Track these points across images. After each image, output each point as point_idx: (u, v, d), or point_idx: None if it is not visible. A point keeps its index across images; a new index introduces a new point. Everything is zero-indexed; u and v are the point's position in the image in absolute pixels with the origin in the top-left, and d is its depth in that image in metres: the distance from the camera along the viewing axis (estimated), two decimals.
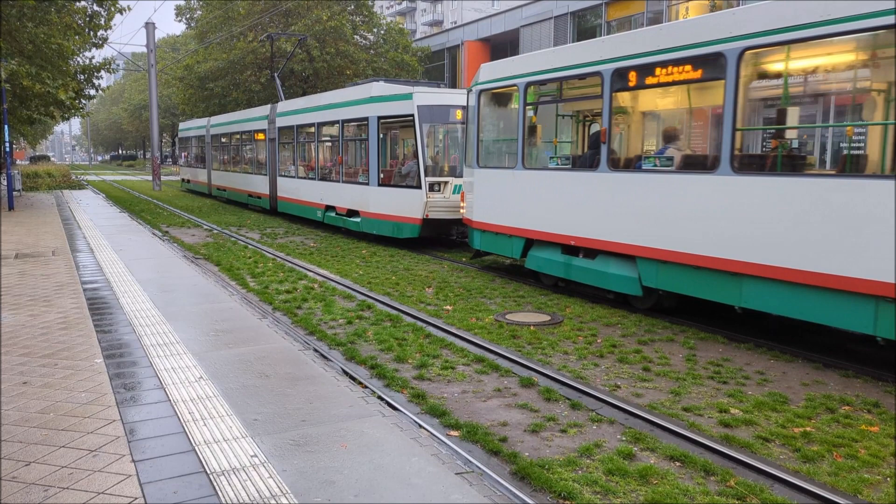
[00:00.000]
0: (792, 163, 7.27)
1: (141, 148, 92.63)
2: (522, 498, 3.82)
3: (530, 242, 10.06)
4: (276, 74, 24.28)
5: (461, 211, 12.32)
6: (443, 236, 14.02)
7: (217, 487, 3.44)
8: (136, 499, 3.31)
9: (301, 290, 9.62)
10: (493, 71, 10.71)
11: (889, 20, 5.65)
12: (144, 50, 36.59)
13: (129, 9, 19.03)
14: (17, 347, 5.86)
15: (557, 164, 9.72)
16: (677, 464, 4.34)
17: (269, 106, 21.92)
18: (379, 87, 14.63)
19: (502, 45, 38.07)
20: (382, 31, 36.42)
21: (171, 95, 47.36)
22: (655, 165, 8.07)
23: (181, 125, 35.96)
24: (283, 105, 20.29)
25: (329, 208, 17.02)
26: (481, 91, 10.90)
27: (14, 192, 21.59)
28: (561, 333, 7.44)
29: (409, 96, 13.62)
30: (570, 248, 9.26)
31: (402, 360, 6.44)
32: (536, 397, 5.53)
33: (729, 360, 6.52)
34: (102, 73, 19.94)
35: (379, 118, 14.46)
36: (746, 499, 3.88)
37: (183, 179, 35.41)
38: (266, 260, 12.41)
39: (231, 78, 33.82)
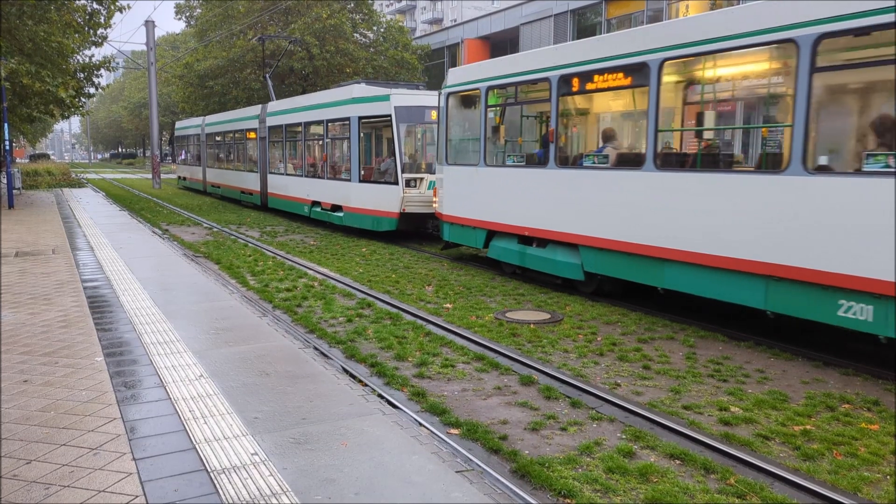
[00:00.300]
0: (706, 160, 8.02)
1: (141, 146, 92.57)
2: (523, 496, 3.83)
3: (492, 234, 10.92)
4: (267, 75, 25.09)
5: (433, 205, 13.02)
6: (420, 229, 14.73)
7: (218, 485, 3.45)
8: (136, 497, 3.32)
9: (301, 289, 9.62)
10: (460, 75, 11.55)
11: (785, 35, 6.44)
12: (144, 48, 36.54)
13: (129, 7, 18.99)
14: (18, 346, 5.86)
15: (514, 162, 10.43)
16: (677, 462, 4.34)
17: (259, 106, 22.64)
18: (359, 89, 15.45)
19: (502, 43, 38.03)
20: (382, 30, 36.37)
21: (171, 93, 47.32)
22: (594, 162, 8.93)
23: (177, 124, 36.48)
24: (273, 105, 21.09)
25: (315, 204, 17.83)
26: (449, 94, 11.64)
27: (14, 191, 21.58)
28: (561, 332, 7.45)
29: (386, 98, 14.45)
30: (525, 239, 10.13)
31: (402, 359, 6.45)
32: (536, 395, 5.53)
33: (729, 359, 6.53)
34: (102, 71, 19.91)
35: (360, 118, 15.29)
36: (746, 497, 3.88)
37: (179, 177, 36.05)
38: (266, 258, 12.41)
39: (231, 76, 33.80)
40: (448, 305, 8.67)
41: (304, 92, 31.87)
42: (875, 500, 3.91)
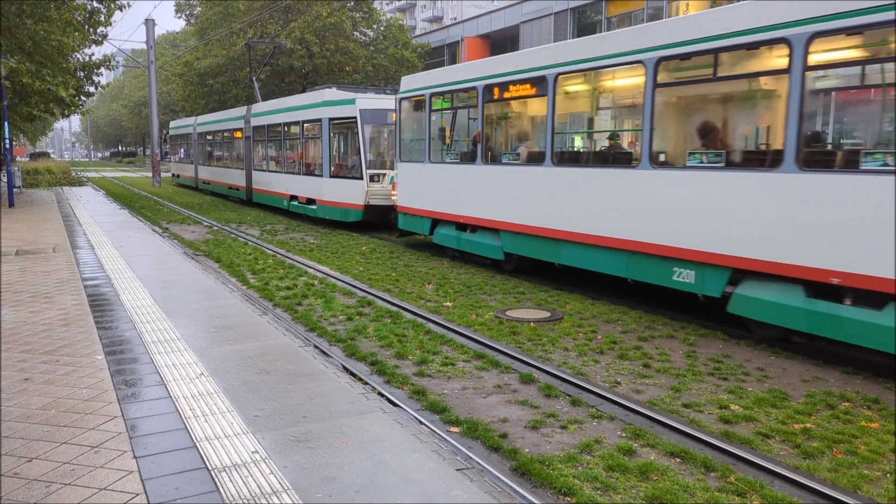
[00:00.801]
0: (587, 157, 9.83)
1: (141, 144, 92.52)
2: (523, 494, 3.83)
3: (436, 222, 12.48)
4: (254, 77, 26.55)
5: (393, 198, 14.55)
6: (383, 220, 15.94)
7: (218, 483, 3.45)
8: (137, 495, 3.32)
9: (301, 287, 9.62)
10: (410, 83, 13.05)
11: (637, 57, 8.06)
12: (144, 46, 36.49)
13: (129, 5, 18.93)
14: (19, 344, 5.86)
15: (451, 159, 12.04)
16: (677, 460, 4.34)
17: (245, 107, 24.19)
18: (329, 93, 17.19)
19: (502, 42, 37.99)
20: (382, 28, 36.33)
21: (171, 92, 47.28)
22: (510, 160, 10.57)
23: (171, 124, 37.45)
24: (257, 107, 22.78)
25: (293, 198, 19.43)
26: (402, 99, 13.21)
27: (14, 189, 21.58)
28: (561, 330, 7.45)
29: (352, 101, 16.20)
30: (461, 226, 11.73)
31: (403, 357, 6.45)
32: (537, 394, 5.53)
33: (729, 357, 6.53)
34: (102, 70, 19.89)
35: (330, 119, 16.98)
36: (747, 495, 3.88)
37: (173, 174, 37.29)
38: (266, 256, 12.41)
39: (231, 74, 33.77)
40: (448, 304, 8.67)
41: (303, 90, 32.16)
42: (875, 499, 3.91)
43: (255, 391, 4.81)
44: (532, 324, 7.67)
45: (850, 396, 5.48)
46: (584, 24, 31.92)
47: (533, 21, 33.82)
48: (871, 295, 5.89)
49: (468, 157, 11.47)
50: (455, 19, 51.55)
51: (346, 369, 5.93)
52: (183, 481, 3.47)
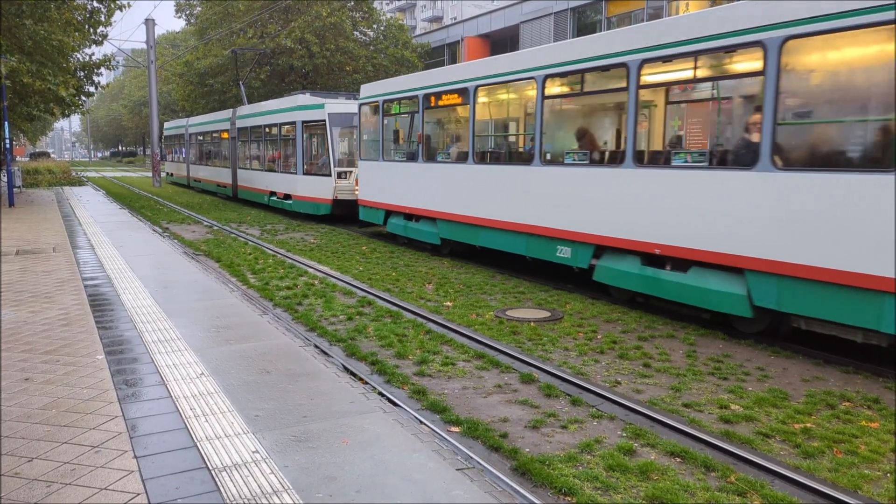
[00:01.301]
0: (496, 157, 11.52)
1: (141, 144, 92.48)
2: (523, 494, 3.83)
3: (388, 213, 14.11)
4: (241, 82, 28.28)
5: (356, 193, 16.18)
6: (350, 214, 17.06)
7: (219, 483, 3.45)
8: (138, 494, 3.32)
9: (301, 287, 9.62)
10: (368, 90, 14.78)
11: (530, 75, 9.67)
12: (144, 46, 36.45)
13: (129, 5, 18.94)
14: (19, 344, 5.87)
15: (400, 158, 13.71)
16: (678, 459, 4.35)
17: (231, 110, 25.84)
18: (303, 98, 18.84)
19: (502, 42, 37.97)
20: (382, 28, 36.32)
21: (171, 92, 47.26)
22: (443, 158, 12.23)
23: (165, 125, 38.47)
24: (241, 109, 24.41)
25: (272, 193, 21.13)
26: (361, 104, 15.03)
27: (14, 189, 21.58)
28: (561, 330, 7.45)
29: (321, 106, 17.82)
30: (408, 216, 13.38)
31: (403, 357, 6.45)
32: (537, 393, 5.53)
33: (729, 357, 6.53)
34: (102, 69, 19.89)
35: (303, 122, 18.56)
36: (747, 495, 3.89)
37: (168, 173, 38.36)
38: (266, 256, 12.42)
39: (231, 74, 33.76)
40: (448, 303, 8.67)
41: (303, 90, 32.22)
42: (875, 498, 3.91)
43: (256, 391, 4.81)
44: (532, 323, 7.68)
45: (851, 396, 5.48)
46: (584, 24, 31.91)
47: (533, 21, 33.81)
48: (680, 262, 7.70)
49: (412, 157, 13.08)
50: (455, 19, 51.55)
51: (346, 369, 5.93)
52: (183, 481, 3.47)
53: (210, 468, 3.61)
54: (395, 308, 8.38)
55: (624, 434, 4.74)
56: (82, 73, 19.44)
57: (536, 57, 9.71)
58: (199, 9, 37.51)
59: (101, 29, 18.38)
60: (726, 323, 7.53)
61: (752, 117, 7.08)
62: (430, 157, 12.59)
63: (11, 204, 19.84)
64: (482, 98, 11.27)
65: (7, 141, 20.29)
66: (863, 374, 6.04)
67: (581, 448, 4.49)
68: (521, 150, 11.30)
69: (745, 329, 7.31)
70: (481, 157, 11.29)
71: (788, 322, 6.85)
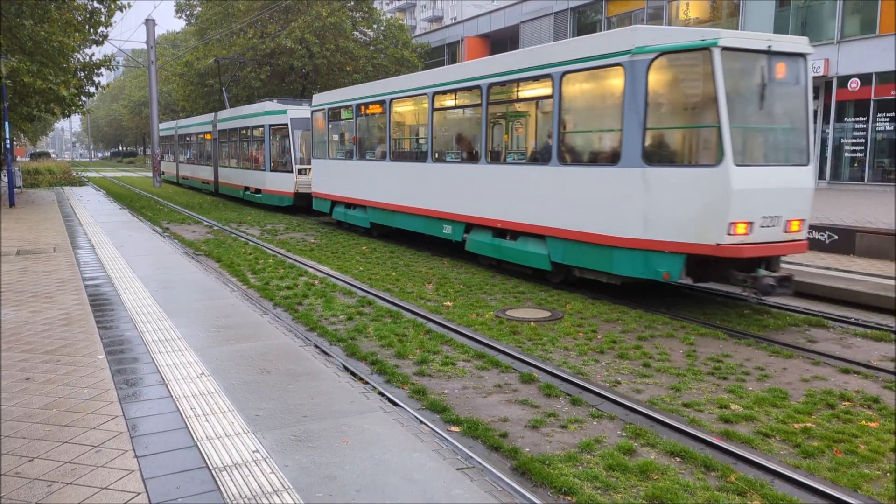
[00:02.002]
0: (401, 156, 14.11)
1: (141, 144, 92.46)
2: (524, 493, 3.83)
3: (334, 203, 16.84)
4: (223, 88, 31.08)
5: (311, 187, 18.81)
6: (310, 206, 19.05)
7: (219, 483, 3.46)
8: (138, 494, 3.33)
9: (301, 287, 9.63)
10: (317, 99, 17.59)
11: (426, 91, 12.43)
12: (144, 46, 36.42)
13: (129, 5, 18.94)
14: (20, 344, 5.87)
15: (340, 157, 16.58)
16: (678, 459, 4.35)
17: (213, 114, 28.87)
18: (269, 105, 21.78)
19: (502, 41, 37.94)
20: (382, 28, 36.30)
21: (171, 92, 47.27)
22: (371, 157, 14.98)
23: (159, 126, 39.54)
24: (221, 114, 27.26)
25: (246, 188, 24.06)
26: (313, 111, 17.92)
27: (15, 189, 21.57)
28: (561, 329, 7.45)
29: (284, 111, 20.66)
30: (348, 205, 16.09)
31: (403, 356, 6.45)
32: (537, 393, 5.54)
33: (729, 356, 6.54)
34: (102, 70, 19.90)
35: (270, 125, 21.36)
36: (747, 494, 3.89)
37: (160, 172, 39.73)
38: (266, 256, 12.42)
39: (231, 74, 33.76)
40: (448, 303, 8.67)
41: (303, 90, 32.46)
42: (875, 497, 3.92)
43: (256, 391, 4.82)
44: (532, 323, 7.68)
45: (850, 396, 5.49)
46: (584, 24, 31.90)
47: (533, 21, 33.80)
48: (514, 233, 10.37)
49: (349, 155, 15.89)
50: (455, 19, 51.51)
51: (346, 369, 5.93)
52: (184, 480, 3.48)
53: (210, 468, 3.62)
54: (395, 308, 8.38)
55: (624, 434, 4.75)
56: (83, 74, 19.44)
57: (428, 77, 12.64)
58: (199, 9, 37.49)
59: (101, 29, 18.38)
60: (543, 277, 10.03)
61: (549, 127, 9.66)
62: (362, 155, 15.31)
63: (12, 204, 19.84)
64: (395, 108, 13.87)
65: (7, 141, 20.30)
66: (862, 375, 6.04)
67: (581, 448, 4.49)
68: (419, 150, 13.53)
69: (551, 279, 9.93)
70: (395, 156, 13.97)
71: (572, 272, 9.45)
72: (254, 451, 3.81)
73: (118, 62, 26.92)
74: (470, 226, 11.39)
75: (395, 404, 5.08)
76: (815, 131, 9.27)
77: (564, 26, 31.94)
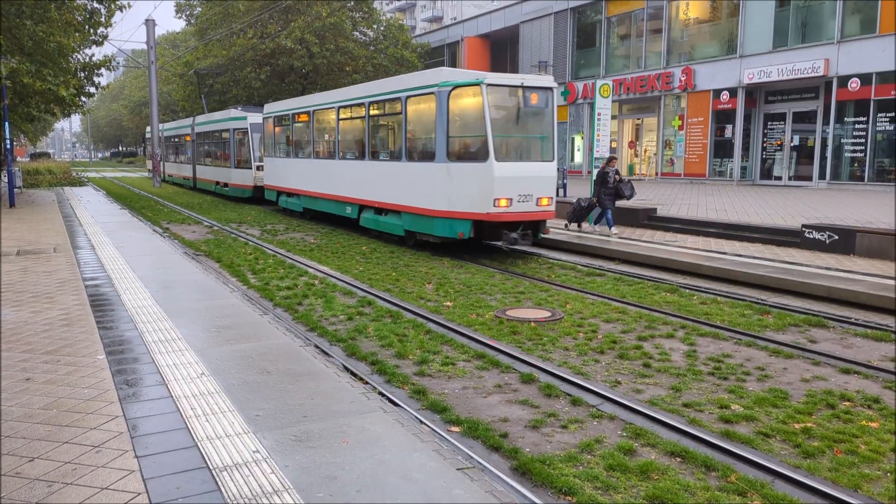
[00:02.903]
0: (325, 154, 17.65)
1: (141, 145, 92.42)
2: (524, 493, 3.84)
3: (279, 193, 20.89)
4: (202, 94, 33.74)
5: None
6: (264, 197, 22.80)
7: (219, 483, 3.46)
8: (138, 494, 3.33)
9: (302, 287, 9.63)
10: (268, 108, 21.27)
11: (335, 105, 16.53)
12: (144, 47, 36.44)
13: (129, 6, 18.97)
14: (20, 344, 5.87)
15: (282, 155, 20.37)
16: (678, 459, 4.35)
17: (192, 118, 32.49)
18: (234, 112, 25.67)
19: (502, 42, 37.94)
20: (382, 28, 36.31)
21: (172, 92, 47.27)
22: (302, 155, 18.88)
23: (147, 129, 42.29)
24: (198, 118, 31.02)
25: (217, 183, 27.97)
26: (264, 118, 21.65)
27: (15, 189, 21.58)
28: (561, 329, 7.45)
29: (244, 118, 24.54)
30: (289, 194, 19.88)
31: (403, 357, 6.46)
32: (537, 393, 5.54)
33: (729, 357, 6.54)
34: (102, 70, 19.89)
35: (234, 129, 25.25)
36: (747, 494, 3.89)
37: (148, 170, 43.01)
38: (266, 256, 12.42)
39: (231, 74, 33.76)
40: (448, 303, 8.67)
41: (303, 90, 32.47)
42: (875, 497, 3.92)
43: (256, 391, 4.82)
44: (532, 323, 7.68)
45: (851, 396, 5.49)
46: (583, 24, 31.88)
47: (533, 21, 33.79)
48: (387, 211, 14.12)
49: (289, 154, 19.76)
50: (455, 19, 51.50)
51: (346, 369, 5.94)
52: (184, 481, 3.48)
53: (211, 468, 3.62)
54: (395, 308, 8.38)
55: (624, 434, 4.75)
56: (83, 74, 19.44)
57: (336, 95, 16.57)
58: (199, 9, 37.48)
59: (101, 29, 18.38)
60: (404, 242, 13.61)
61: (401, 134, 13.33)
62: (296, 154, 19.26)
63: (12, 204, 19.85)
64: (317, 117, 17.58)
65: (7, 141, 20.30)
66: (862, 375, 6.04)
67: (581, 448, 4.50)
68: (331, 150, 17.01)
69: (408, 242, 13.49)
70: (317, 155, 17.84)
71: (416, 236, 13.08)
72: (254, 452, 3.81)
73: (118, 62, 26.92)
74: (362, 207, 15.17)
75: (396, 404, 5.08)
76: (557, 139, 12.41)
77: (564, 26, 31.93)
